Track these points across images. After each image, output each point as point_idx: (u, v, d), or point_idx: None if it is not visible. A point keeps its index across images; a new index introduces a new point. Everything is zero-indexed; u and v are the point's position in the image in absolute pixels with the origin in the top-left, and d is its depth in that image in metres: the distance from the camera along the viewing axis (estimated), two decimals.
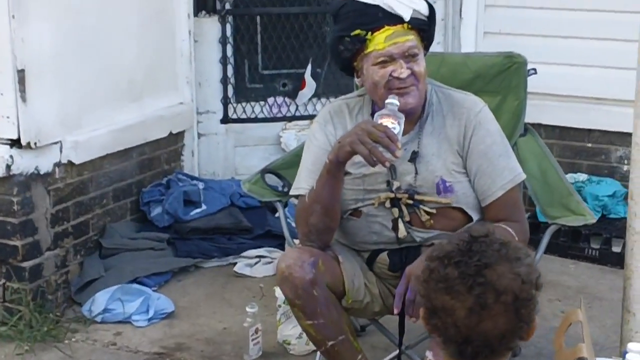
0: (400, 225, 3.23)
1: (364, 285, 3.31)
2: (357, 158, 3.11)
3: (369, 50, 3.18)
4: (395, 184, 3.24)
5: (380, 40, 3.15)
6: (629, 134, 5.03)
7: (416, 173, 3.23)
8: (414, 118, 3.24)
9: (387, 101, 3.07)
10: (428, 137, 3.26)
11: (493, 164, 3.22)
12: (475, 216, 3.25)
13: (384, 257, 3.32)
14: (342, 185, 3.21)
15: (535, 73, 3.94)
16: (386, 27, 3.16)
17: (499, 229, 3.02)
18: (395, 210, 3.23)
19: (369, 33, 3.17)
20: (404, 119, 3.05)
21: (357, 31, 3.17)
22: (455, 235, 1.99)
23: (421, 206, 3.22)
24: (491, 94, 3.75)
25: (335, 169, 3.12)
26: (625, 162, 5.29)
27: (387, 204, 3.24)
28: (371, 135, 2.97)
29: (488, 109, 3.31)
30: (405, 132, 3.13)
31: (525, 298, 1.89)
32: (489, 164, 3.21)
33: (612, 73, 5.22)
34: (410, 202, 3.22)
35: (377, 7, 3.18)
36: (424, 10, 3.25)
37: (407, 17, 3.18)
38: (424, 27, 3.25)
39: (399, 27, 3.17)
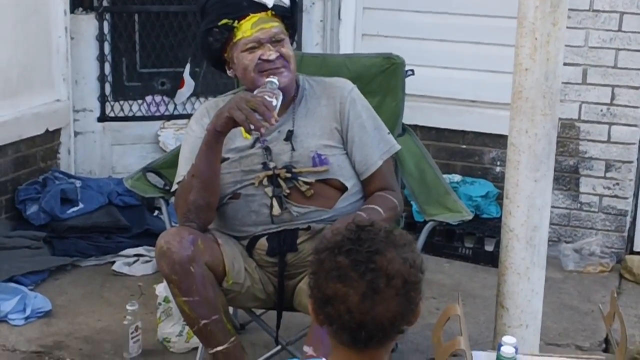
0: (275, 203, 3.30)
1: (244, 269, 3.34)
2: (234, 144, 3.31)
3: (237, 38, 3.36)
4: (271, 165, 3.33)
5: (247, 27, 3.34)
6: (502, 136, 5.21)
7: (292, 149, 3.34)
8: (287, 101, 3.38)
9: (267, 80, 3.24)
10: (302, 118, 3.40)
11: (371, 137, 3.39)
12: (349, 184, 3.37)
13: (262, 242, 3.36)
14: (220, 159, 3.28)
15: (413, 74, 4.03)
16: (251, 15, 3.36)
17: (379, 198, 3.29)
18: (270, 190, 3.31)
19: (236, 21, 3.35)
20: (282, 96, 3.19)
21: (224, 21, 3.36)
22: (340, 226, 2.04)
23: (299, 178, 3.31)
24: (370, 94, 3.80)
25: (213, 139, 3.20)
26: (498, 163, 5.43)
27: (265, 182, 3.32)
28: (248, 103, 3.08)
29: (357, 89, 3.49)
30: (279, 114, 3.25)
31: (414, 281, 1.96)
32: (368, 136, 3.38)
33: (485, 76, 5.33)
34: (289, 175, 3.31)
35: None
36: (286, 0, 3.43)
37: (270, 4, 3.37)
38: (286, 15, 3.44)
39: (263, 14, 3.37)
